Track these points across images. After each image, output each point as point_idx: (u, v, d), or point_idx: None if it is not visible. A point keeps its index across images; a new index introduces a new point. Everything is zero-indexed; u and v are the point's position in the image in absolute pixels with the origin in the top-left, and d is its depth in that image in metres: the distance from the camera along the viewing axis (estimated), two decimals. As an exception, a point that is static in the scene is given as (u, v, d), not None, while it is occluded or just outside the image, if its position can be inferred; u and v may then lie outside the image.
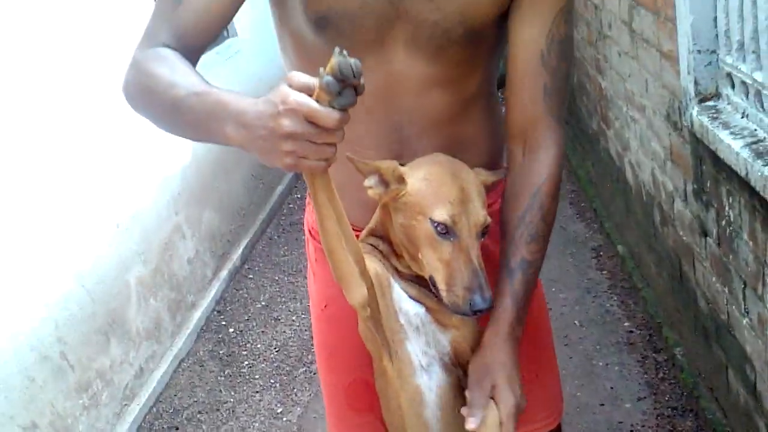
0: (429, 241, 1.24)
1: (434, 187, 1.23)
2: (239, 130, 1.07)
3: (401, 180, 1.26)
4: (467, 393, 1.33)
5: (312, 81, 1.02)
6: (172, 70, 1.20)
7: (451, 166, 1.27)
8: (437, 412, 1.39)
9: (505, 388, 1.29)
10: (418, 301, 1.34)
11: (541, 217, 1.33)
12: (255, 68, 5.54)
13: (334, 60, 0.98)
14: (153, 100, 1.22)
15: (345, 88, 1.00)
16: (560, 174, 1.37)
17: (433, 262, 1.24)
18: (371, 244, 1.36)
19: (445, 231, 1.22)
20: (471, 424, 1.29)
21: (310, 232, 1.57)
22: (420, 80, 1.32)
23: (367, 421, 1.58)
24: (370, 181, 1.27)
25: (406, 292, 1.34)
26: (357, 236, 1.37)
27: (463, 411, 1.31)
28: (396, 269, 1.35)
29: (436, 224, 1.22)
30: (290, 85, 1.03)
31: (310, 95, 1.01)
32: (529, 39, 1.31)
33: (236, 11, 1.30)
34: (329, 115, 1.00)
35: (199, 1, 1.26)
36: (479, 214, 1.24)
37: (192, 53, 1.28)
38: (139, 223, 3.70)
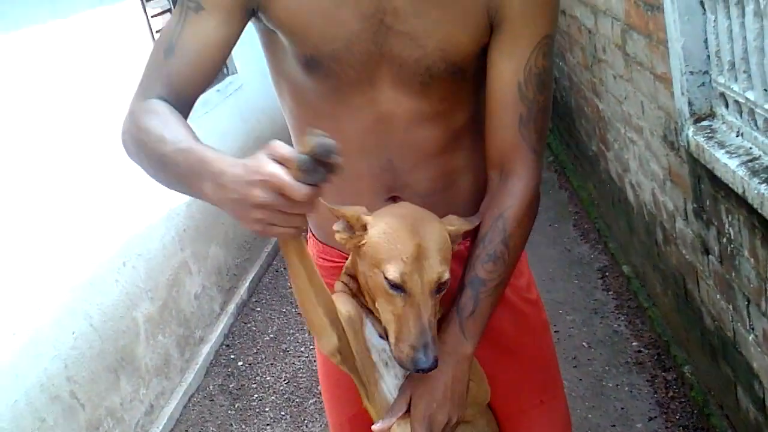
0: (383, 294, 1.25)
1: (390, 243, 1.24)
2: (215, 189, 1.11)
3: (365, 228, 1.28)
4: None
5: (291, 154, 1.05)
6: (163, 125, 1.23)
7: (413, 219, 1.26)
8: None
9: (418, 399, 1.31)
10: (383, 337, 1.35)
11: (502, 240, 1.33)
12: (256, 104, 5.59)
13: (310, 139, 1.04)
14: (144, 153, 1.26)
15: (318, 166, 1.04)
16: (532, 202, 1.37)
17: (386, 314, 1.26)
18: (345, 282, 1.39)
19: (398, 287, 1.23)
20: (374, 426, 1.33)
21: None
22: (408, 116, 1.35)
23: None
24: (337, 226, 1.30)
25: (375, 329, 1.37)
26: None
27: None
28: (366, 306, 1.37)
29: (388, 280, 1.23)
30: (269, 155, 1.06)
31: (288, 167, 1.05)
32: (506, 71, 1.33)
33: (226, 58, 1.35)
34: (299, 190, 1.04)
35: (190, 52, 1.30)
36: (434, 271, 1.23)
37: (185, 103, 1.32)
38: (145, 260, 3.73)
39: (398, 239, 1.23)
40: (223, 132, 4.98)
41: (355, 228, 1.29)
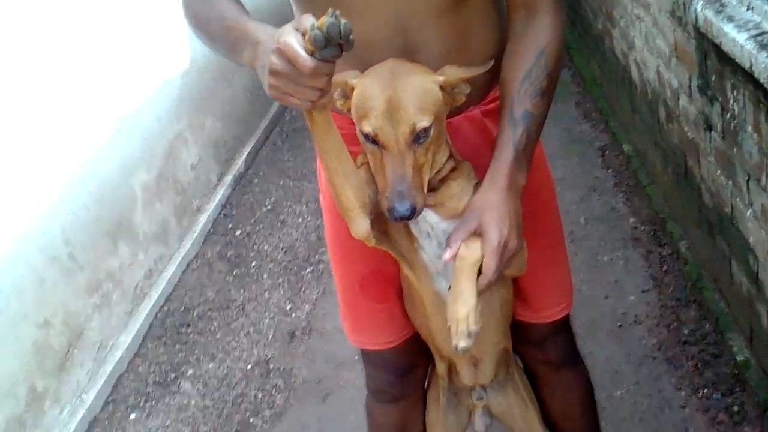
0: (366, 150, 1.28)
1: (364, 100, 1.26)
2: (251, 56, 1.22)
3: (352, 92, 1.29)
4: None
5: (308, 28, 1.09)
6: (209, 7, 1.36)
7: (390, 74, 1.26)
8: None
9: (491, 225, 1.30)
10: None
11: (547, 75, 1.34)
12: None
13: (325, 19, 1.06)
14: (201, 30, 1.40)
15: (330, 43, 1.08)
16: (563, 41, 1.38)
17: (373, 169, 1.29)
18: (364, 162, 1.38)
19: (373, 141, 1.25)
20: (444, 254, 1.30)
21: None
22: None
23: (383, 309, 1.62)
24: (336, 94, 1.31)
25: None
26: None
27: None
28: None
29: (364, 135, 1.26)
30: (295, 27, 1.11)
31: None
32: None
33: None
34: (305, 62, 1.08)
35: None
36: (407, 122, 1.23)
37: None
38: (139, 130, 3.70)
39: (370, 96, 1.25)
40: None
41: (347, 93, 1.30)
